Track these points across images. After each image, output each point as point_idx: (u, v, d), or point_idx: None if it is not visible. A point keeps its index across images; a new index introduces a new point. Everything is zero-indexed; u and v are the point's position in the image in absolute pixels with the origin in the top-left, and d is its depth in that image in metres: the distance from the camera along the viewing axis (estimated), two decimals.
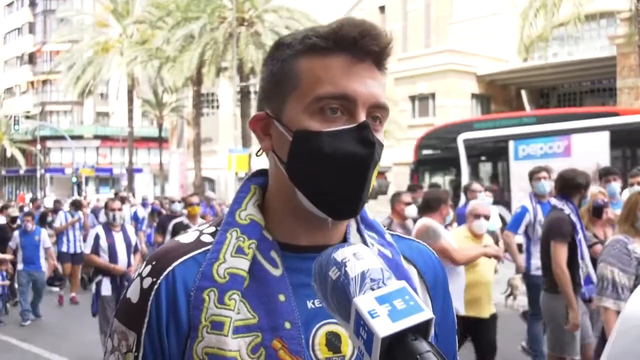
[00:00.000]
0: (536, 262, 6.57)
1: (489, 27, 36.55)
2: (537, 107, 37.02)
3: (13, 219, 11.56)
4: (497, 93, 35.02)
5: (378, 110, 1.03)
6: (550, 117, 16.84)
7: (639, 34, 18.24)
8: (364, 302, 0.80)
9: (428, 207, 5.39)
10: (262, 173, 1.14)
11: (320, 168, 1.00)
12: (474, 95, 34.09)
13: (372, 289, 0.81)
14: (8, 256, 9.89)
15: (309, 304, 1.04)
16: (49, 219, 14.13)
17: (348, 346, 1.03)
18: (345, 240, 1.11)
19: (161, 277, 1.03)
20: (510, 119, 18.08)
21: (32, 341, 8.88)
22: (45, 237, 10.46)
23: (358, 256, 0.85)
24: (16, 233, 10.26)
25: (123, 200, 13.30)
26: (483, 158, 16.44)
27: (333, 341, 1.03)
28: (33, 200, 17.34)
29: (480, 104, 34.67)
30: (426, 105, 34.18)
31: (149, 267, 1.05)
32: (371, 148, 0.99)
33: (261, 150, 1.10)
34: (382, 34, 1.02)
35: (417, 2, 42.63)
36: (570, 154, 12.66)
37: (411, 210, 6.70)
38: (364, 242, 1.11)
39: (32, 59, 60.70)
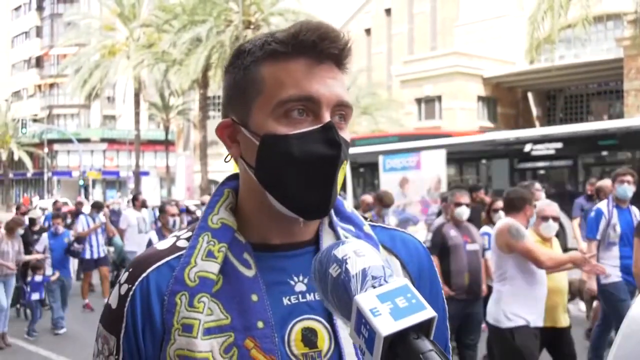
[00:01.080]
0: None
1: (495, 29, 36.51)
2: (543, 109, 36.96)
3: (32, 222, 11.03)
4: (504, 95, 34.96)
5: (342, 109, 1.05)
6: (408, 137, 20.75)
7: None
8: (365, 300, 0.79)
9: (512, 206, 4.96)
10: (236, 177, 1.16)
11: (288, 171, 1.02)
12: (480, 98, 34.04)
13: (374, 287, 0.81)
14: (40, 255, 9.52)
15: (285, 301, 1.05)
16: (68, 220, 13.59)
17: (324, 341, 1.04)
18: (317, 236, 1.13)
19: (136, 284, 1.06)
20: (380, 137, 22.79)
21: (38, 343, 8.78)
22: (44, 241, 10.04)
23: (359, 253, 0.85)
24: (45, 235, 9.91)
25: (144, 204, 12.67)
26: (362, 170, 19.66)
27: (309, 337, 1.04)
28: (55, 202, 16.72)
29: (486, 106, 34.62)
30: (432, 107, 34.14)
31: (126, 274, 1.09)
32: (337, 148, 1.01)
33: (229, 157, 1.12)
34: (340, 36, 1.04)
35: (423, 4, 42.63)
36: (420, 168, 15.42)
37: (462, 212, 5.99)
38: (337, 236, 1.12)
39: (39, 62, 60.95)
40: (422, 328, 0.78)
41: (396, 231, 1.22)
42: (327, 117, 1.02)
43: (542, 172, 15.36)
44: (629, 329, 1.65)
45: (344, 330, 1.04)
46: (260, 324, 1.02)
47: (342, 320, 0.84)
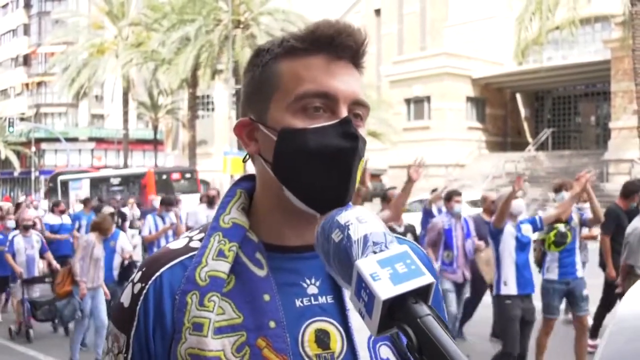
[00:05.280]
0: None
1: (484, 30, 36.65)
2: (532, 110, 37.15)
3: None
4: (492, 96, 35.10)
5: (358, 107, 1.06)
6: (85, 171, 36.08)
7: (633, 38, 18.31)
8: (366, 265, 0.81)
9: None
10: (249, 178, 1.17)
11: (306, 164, 1.02)
12: (469, 99, 34.14)
13: (374, 252, 0.83)
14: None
15: (298, 302, 1.05)
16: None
17: (337, 343, 1.05)
18: None
19: (149, 283, 1.06)
20: (72, 172, 35.67)
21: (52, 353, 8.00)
22: (124, 241, 8.56)
23: (361, 219, 0.87)
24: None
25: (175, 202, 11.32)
26: (62, 188, 31.52)
27: (322, 338, 1.04)
28: (84, 201, 15.15)
29: (475, 107, 34.74)
30: (421, 108, 34.20)
31: (139, 273, 1.09)
32: (355, 141, 1.02)
33: (248, 156, 1.13)
34: (357, 32, 1.04)
35: (413, 5, 42.70)
36: (81, 189, 29.61)
37: None
38: None
39: (26, 60, 60.56)
40: (421, 294, 0.80)
41: (399, 239, 1.23)
42: (344, 112, 1.03)
43: (117, 191, 27.26)
44: (616, 327, 1.68)
45: (359, 334, 1.04)
46: (272, 324, 1.02)
47: (343, 285, 0.86)
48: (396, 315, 0.79)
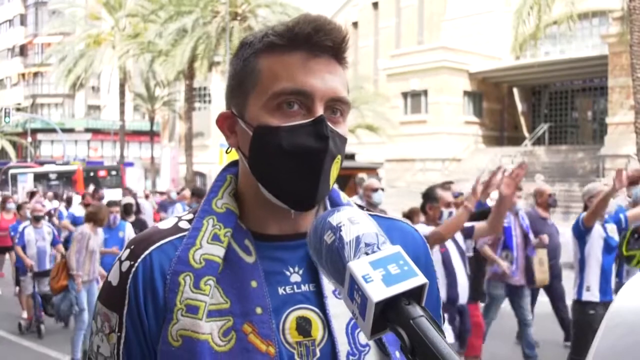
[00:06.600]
0: None
1: (482, 24, 36.61)
2: (528, 105, 37.18)
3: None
4: (489, 90, 35.08)
5: (338, 104, 1.06)
6: (31, 167, 37.82)
7: (631, 33, 18.29)
8: (358, 266, 0.81)
9: None
10: (237, 164, 1.18)
11: (278, 162, 1.04)
12: (466, 93, 34.13)
13: (367, 254, 0.83)
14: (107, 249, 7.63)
15: (280, 290, 1.07)
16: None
17: (318, 331, 1.06)
18: None
19: (139, 260, 1.06)
20: (19, 167, 38.64)
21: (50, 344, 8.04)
22: (130, 233, 8.38)
23: (353, 220, 0.87)
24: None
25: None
26: (12, 181, 34.37)
27: (303, 325, 1.05)
28: (93, 192, 14.66)
29: (472, 101, 34.73)
30: (418, 102, 34.18)
31: (127, 251, 1.09)
32: (324, 142, 1.02)
33: (230, 148, 1.15)
34: (336, 29, 1.05)
35: None
36: (27, 182, 31.53)
37: None
38: None
39: (23, 51, 60.25)
40: (414, 294, 0.80)
41: (395, 221, 1.23)
42: (319, 111, 1.03)
43: (55, 185, 30.00)
44: (612, 322, 1.67)
45: (337, 320, 1.05)
46: (258, 310, 1.03)
47: (336, 286, 0.86)
48: (389, 316, 0.79)
